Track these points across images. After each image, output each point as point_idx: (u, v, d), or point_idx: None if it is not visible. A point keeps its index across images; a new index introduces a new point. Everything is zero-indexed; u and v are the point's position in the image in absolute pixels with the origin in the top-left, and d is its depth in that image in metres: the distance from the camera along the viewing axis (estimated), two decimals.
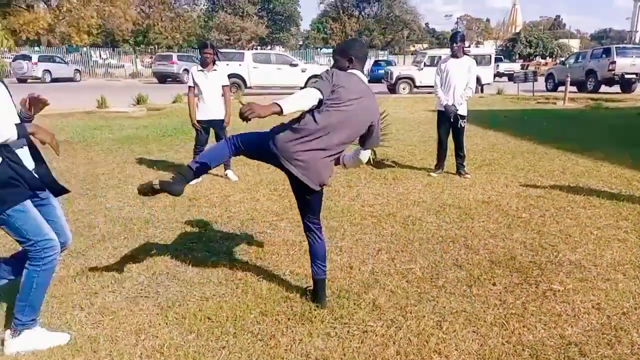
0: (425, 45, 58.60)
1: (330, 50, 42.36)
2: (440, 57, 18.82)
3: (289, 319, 2.74)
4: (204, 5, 56.99)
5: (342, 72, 2.66)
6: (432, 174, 6.06)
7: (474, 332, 2.63)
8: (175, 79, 27.38)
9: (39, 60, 26.30)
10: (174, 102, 15.62)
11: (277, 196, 5.17)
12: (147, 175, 6.02)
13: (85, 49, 35.39)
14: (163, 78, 27.81)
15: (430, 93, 19.02)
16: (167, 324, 2.66)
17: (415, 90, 20.45)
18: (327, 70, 2.66)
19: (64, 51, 33.47)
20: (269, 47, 53.23)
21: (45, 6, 38.77)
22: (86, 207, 4.73)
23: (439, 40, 68.94)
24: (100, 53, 37.40)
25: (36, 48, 33.35)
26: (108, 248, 3.71)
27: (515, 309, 2.86)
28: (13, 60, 26.04)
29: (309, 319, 2.73)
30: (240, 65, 18.95)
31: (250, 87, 19.31)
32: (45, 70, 26.31)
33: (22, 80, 25.56)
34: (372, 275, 3.29)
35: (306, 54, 38.93)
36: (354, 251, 3.71)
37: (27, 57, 26.06)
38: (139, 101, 14.89)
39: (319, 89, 2.48)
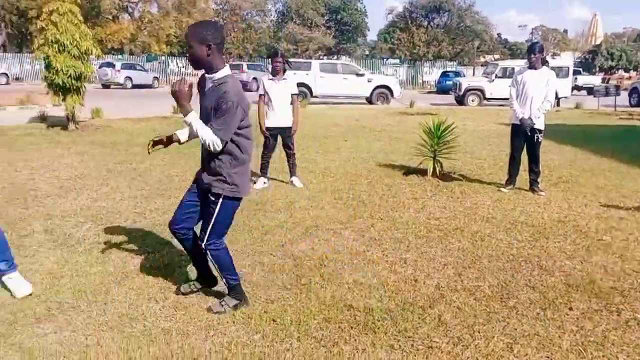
0: (497, 56, 56.73)
1: (397, 61, 42.16)
2: (513, 68, 18.27)
3: (352, 327, 2.73)
4: (274, 16, 58.72)
5: None
6: (502, 189, 5.83)
7: (548, 357, 2.48)
8: (244, 87, 28.23)
9: (121, 68, 28.20)
10: None
11: (341, 204, 5.19)
12: None
13: (163, 57, 37.51)
14: None
15: (501, 106, 18.39)
16: (234, 322, 2.74)
17: (484, 102, 19.84)
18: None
19: (144, 60, 35.68)
20: (335, 57, 53.81)
21: (129, 17, 41.56)
22: (161, 206, 4.98)
23: (512, 51, 66.51)
24: (177, 62, 39.44)
25: (119, 56, 35.80)
26: (180, 246, 3.87)
27: (594, 336, 2.67)
28: (99, 68, 28.07)
29: (372, 329, 2.70)
30: (307, 74, 19.30)
31: (316, 96, 19.59)
32: (127, 77, 28.15)
33: (106, 86, 27.51)
34: (437, 289, 3.21)
35: (372, 64, 38.95)
36: (419, 264, 3.63)
37: (111, 65, 28.03)
38: None
39: None
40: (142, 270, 3.39)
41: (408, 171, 6.72)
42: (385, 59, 46.06)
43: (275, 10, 58.25)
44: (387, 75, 29.37)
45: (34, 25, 34.57)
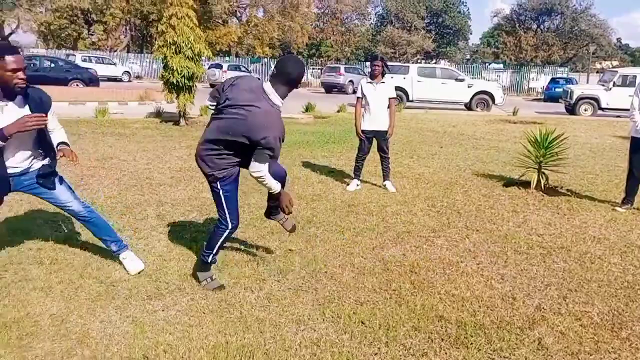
0: (615, 63, 51.80)
1: (501, 66, 40.12)
2: (634, 76, 16.56)
3: (442, 339, 2.65)
4: (373, 19, 58.78)
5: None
6: (617, 208, 5.31)
7: None
8: (340, 89, 28.68)
9: (228, 69, 29.94)
10: (338, 111, 16.37)
11: (434, 212, 5.06)
12: (310, 178, 6.40)
13: (265, 59, 39.23)
14: (329, 88, 29.34)
15: (619, 117, 16.75)
16: (324, 320, 2.80)
17: (599, 112, 18.21)
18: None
19: (248, 61, 37.58)
20: (434, 61, 52.58)
21: (237, 22, 44.01)
22: (259, 201, 5.21)
23: (634, 57, 60.28)
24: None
25: (226, 58, 38.07)
26: (276, 241, 4.04)
27: None
28: (208, 68, 30.07)
29: (464, 344, 2.61)
30: (404, 78, 19.05)
31: (412, 101, 19.28)
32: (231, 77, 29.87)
33: (213, 86, 29.27)
34: (538, 310, 3.01)
35: (473, 69, 37.45)
36: (518, 281, 3.44)
37: (219, 66, 29.90)
38: (307, 109, 15.94)
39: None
40: (240, 260, 3.58)
41: (508, 182, 6.38)
42: (487, 64, 44.02)
43: (375, 14, 58.33)
44: (488, 80, 28.05)
45: (154, 28, 37.94)
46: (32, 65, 18.89)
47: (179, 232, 4.13)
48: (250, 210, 4.84)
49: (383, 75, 5.75)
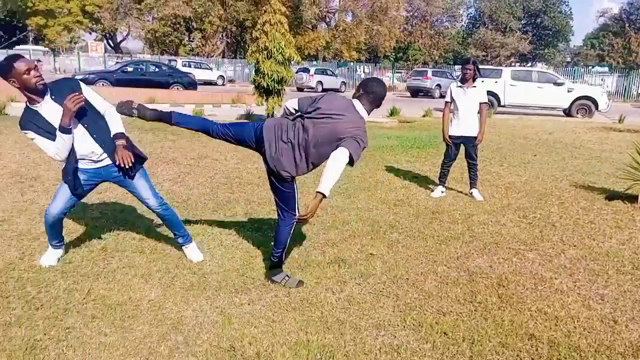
0: None
1: (606, 69, 36.94)
2: None
3: (532, 359, 2.51)
4: (464, 21, 56.86)
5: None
6: None
7: None
8: (427, 93, 28.10)
9: (315, 73, 30.57)
10: (424, 115, 16.04)
11: (526, 224, 4.79)
12: (394, 183, 6.34)
13: (352, 63, 39.49)
14: (415, 92, 28.85)
15: None
16: (404, 327, 2.76)
17: None
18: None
19: (335, 65, 38.07)
20: (529, 64, 49.71)
21: (326, 26, 44.74)
22: (341, 204, 5.27)
23: None
24: (364, 67, 41.13)
25: (314, 62, 38.84)
26: (357, 244, 4.06)
27: None
28: (296, 72, 30.92)
29: None
30: (496, 82, 18.21)
31: (503, 106, 18.37)
32: (318, 81, 30.40)
33: (300, 89, 30.11)
34: None
35: (574, 72, 34.86)
36: (620, 303, 3.15)
37: (306, 70, 30.59)
38: (392, 113, 15.80)
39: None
40: (322, 262, 3.64)
41: (612, 195, 5.86)
42: (590, 67, 40.75)
43: (467, 15, 56.39)
44: (591, 85, 25.98)
45: (248, 35, 39.71)
46: (139, 69, 20.63)
47: (265, 231, 4.29)
48: (333, 213, 4.90)
49: (474, 80, 5.56)
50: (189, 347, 2.49)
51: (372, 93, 3.13)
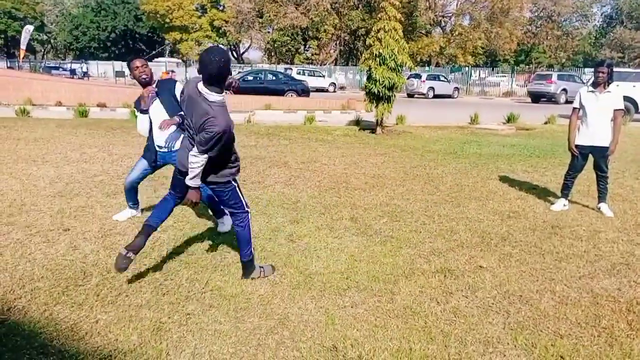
0: None
1: None
2: None
3: None
4: (597, 21, 51.72)
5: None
6: None
7: None
8: (550, 99, 26.04)
9: (426, 79, 29.95)
10: (545, 122, 14.89)
11: None
12: (508, 194, 5.98)
13: (466, 68, 37.97)
14: (537, 98, 26.89)
15: None
16: (515, 346, 2.60)
17: None
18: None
19: (448, 71, 36.91)
20: None
21: (441, 31, 43.61)
22: (449, 213, 5.10)
23: None
24: (479, 72, 39.34)
25: (426, 68, 38.06)
26: (465, 255, 3.90)
27: None
28: (407, 78, 30.57)
29: None
30: (634, 86, 16.30)
31: None
32: (430, 87, 29.73)
33: (410, 95, 29.72)
34: None
35: None
36: None
37: (418, 76, 30.11)
38: (509, 119, 14.90)
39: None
40: (426, 270, 3.56)
41: None
42: None
43: (601, 14, 51.23)
44: None
45: (361, 42, 40.18)
46: (258, 78, 21.97)
47: (371, 235, 4.31)
48: (440, 221, 4.77)
49: (608, 84, 5.04)
50: (294, 343, 2.60)
51: (201, 71, 2.85)
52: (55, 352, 2.42)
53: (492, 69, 40.67)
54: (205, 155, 2.87)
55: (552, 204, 5.43)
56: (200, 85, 2.88)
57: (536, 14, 47.89)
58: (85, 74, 35.85)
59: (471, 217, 4.95)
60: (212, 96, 2.85)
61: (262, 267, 3.43)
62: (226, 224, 4.31)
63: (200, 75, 2.89)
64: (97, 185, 5.65)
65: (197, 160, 2.88)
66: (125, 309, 2.88)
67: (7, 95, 14.88)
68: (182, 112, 3.83)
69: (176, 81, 4.21)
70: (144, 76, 4.03)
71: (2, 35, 54.25)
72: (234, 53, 51.62)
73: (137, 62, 4.04)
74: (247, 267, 3.35)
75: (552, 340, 2.66)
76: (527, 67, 44.88)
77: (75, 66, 41.18)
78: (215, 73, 2.80)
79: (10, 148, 7.95)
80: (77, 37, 55.53)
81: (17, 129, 10.12)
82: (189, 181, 2.99)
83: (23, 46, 31.40)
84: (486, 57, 47.00)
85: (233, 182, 3.18)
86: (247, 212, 3.29)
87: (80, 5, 57.60)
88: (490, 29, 38.60)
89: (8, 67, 37.78)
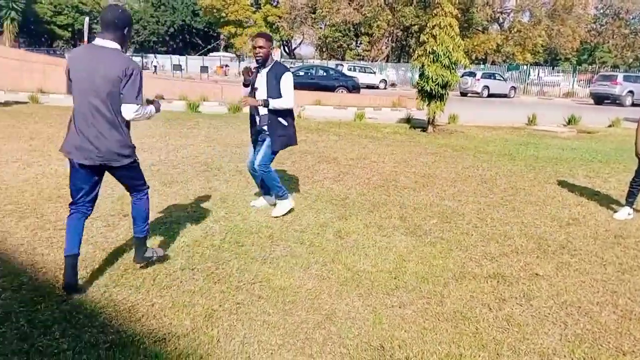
0: None
1: None
2: None
3: None
4: None
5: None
6: None
7: None
8: (614, 100, 24.65)
9: (481, 77, 29.07)
10: (609, 126, 14.10)
11: None
12: (567, 199, 5.71)
13: (524, 67, 36.50)
14: (600, 99, 25.53)
15: None
16: (572, 359, 2.48)
17: None
18: None
19: (504, 69, 35.63)
20: None
21: (498, 28, 42.16)
22: (503, 217, 4.93)
23: None
24: (538, 71, 37.70)
25: (481, 66, 36.92)
26: (520, 261, 3.76)
27: None
28: (461, 76, 29.79)
29: None
30: None
31: None
32: (484, 86, 28.84)
33: (463, 94, 28.94)
34: None
35: None
36: None
37: (472, 74, 29.27)
38: (570, 121, 14.24)
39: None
40: (478, 275, 3.47)
41: None
42: None
43: None
44: None
45: (413, 39, 39.52)
46: (309, 74, 22.08)
47: (420, 236, 4.24)
48: (493, 225, 4.62)
49: None
50: (341, 339, 2.60)
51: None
52: (114, 332, 2.54)
53: (553, 68, 38.91)
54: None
55: (616, 211, 5.14)
56: None
57: (602, 11, 45.37)
58: (157, 69, 36.87)
59: (527, 222, 4.76)
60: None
61: (154, 249, 3.35)
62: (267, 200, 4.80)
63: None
64: (154, 175, 5.86)
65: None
66: (180, 295, 2.98)
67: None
68: (273, 98, 4.23)
69: (287, 70, 4.33)
70: (258, 56, 4.24)
71: (70, 29, 57.41)
72: (286, 48, 52.12)
73: (259, 41, 4.21)
74: (142, 245, 3.23)
75: (613, 356, 2.52)
76: (590, 66, 42.61)
77: (136, 59, 42.84)
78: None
79: None
80: (138, 31, 57.83)
81: None
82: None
83: (85, 39, 33.01)
84: (548, 54, 44.98)
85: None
86: (148, 187, 3.26)
87: (142, 0, 59.95)
88: (551, 26, 36.89)
89: None
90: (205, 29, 59.06)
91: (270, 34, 5.38)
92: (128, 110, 2.83)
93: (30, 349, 2.36)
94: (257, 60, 4.30)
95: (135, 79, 2.81)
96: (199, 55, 51.84)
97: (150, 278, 3.18)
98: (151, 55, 49.81)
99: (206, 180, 5.82)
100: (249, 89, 4.39)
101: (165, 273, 3.26)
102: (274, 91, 4.24)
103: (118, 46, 2.85)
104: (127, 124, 2.94)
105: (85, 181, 2.93)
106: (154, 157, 6.92)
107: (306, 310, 2.88)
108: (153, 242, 3.79)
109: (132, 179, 3.12)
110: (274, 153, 4.43)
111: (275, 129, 4.34)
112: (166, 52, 54.05)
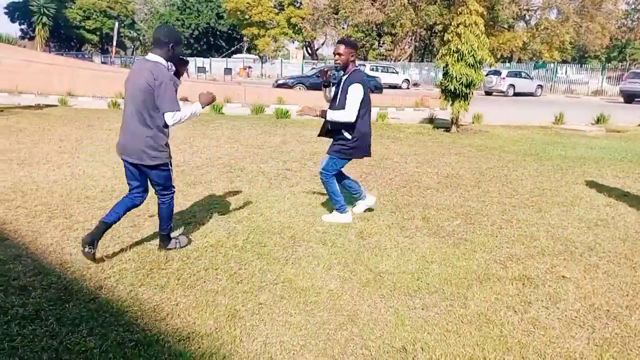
0: None
1: None
2: None
3: None
4: None
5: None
6: None
7: None
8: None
9: (507, 76, 28.55)
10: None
11: None
12: (596, 200, 5.57)
13: (552, 65, 35.70)
14: (630, 97, 24.78)
15: None
16: None
17: None
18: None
19: (531, 67, 34.91)
20: None
21: (524, 25, 41.33)
22: (528, 218, 4.84)
23: None
24: (566, 69, 36.80)
25: (507, 64, 36.26)
26: (546, 263, 3.68)
27: None
28: (486, 75, 29.32)
29: None
30: None
31: None
32: (510, 84, 28.33)
33: (488, 93, 28.50)
34: None
35: None
36: None
37: (497, 73, 28.77)
38: (599, 120, 13.88)
39: None
40: (502, 277, 3.41)
41: None
42: None
43: None
44: None
45: (437, 39, 39.05)
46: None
47: (443, 237, 4.20)
48: (519, 226, 4.54)
49: None
50: (363, 341, 2.59)
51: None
52: (139, 331, 2.59)
53: (581, 66, 37.95)
54: None
55: None
56: None
57: (633, 6, 44.00)
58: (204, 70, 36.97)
59: (553, 224, 4.66)
60: None
61: (176, 239, 3.73)
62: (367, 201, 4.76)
63: None
64: (178, 175, 5.96)
65: None
66: (203, 294, 3.02)
67: (101, 89, 16.11)
68: (337, 110, 4.11)
69: (361, 77, 4.15)
70: (337, 63, 4.20)
71: (98, 33, 58.79)
72: (309, 49, 52.22)
73: (338, 48, 4.14)
74: (166, 240, 3.65)
75: None
76: (620, 64, 41.38)
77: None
78: None
79: (103, 137, 8.60)
80: None
81: (108, 119, 10.93)
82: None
83: (114, 43, 33.78)
84: (575, 52, 43.91)
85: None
86: (173, 192, 3.60)
87: (168, 4, 60.95)
88: (579, 23, 35.95)
89: (102, 63, 40.83)
90: (229, 31, 59.66)
91: (354, 40, 5.02)
92: (167, 118, 3.22)
93: (59, 347, 2.42)
94: (336, 68, 4.28)
95: (165, 89, 3.14)
96: (222, 57, 52.43)
97: (174, 278, 3.23)
98: None
99: (229, 181, 5.88)
100: (328, 89, 4.49)
101: (190, 273, 3.31)
102: (342, 101, 4.08)
103: (160, 59, 3.23)
104: (161, 129, 3.28)
105: (131, 176, 3.43)
106: (178, 158, 7.03)
107: (328, 311, 2.88)
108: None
109: (160, 181, 3.45)
110: (338, 164, 4.33)
111: (338, 140, 4.26)
112: (191, 55, 54.85)
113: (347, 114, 4.06)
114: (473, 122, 12.87)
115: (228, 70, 36.31)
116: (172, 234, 3.72)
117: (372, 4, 38.09)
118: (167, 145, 3.36)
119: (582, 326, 2.78)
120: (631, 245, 4.12)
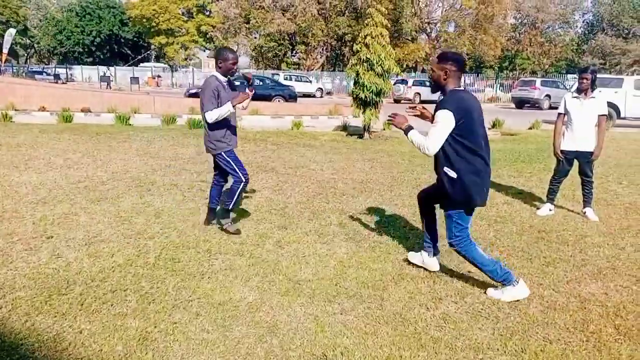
0: None
1: None
2: None
3: None
4: (579, 28, 52.69)
5: None
6: None
7: None
8: (534, 104, 26.40)
9: (413, 84, 30.19)
10: (529, 128, 15.08)
11: None
12: (494, 198, 6.02)
13: None
14: (521, 104, 27.26)
15: None
16: (505, 352, 2.59)
17: None
18: None
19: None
20: None
21: (426, 38, 44.00)
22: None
23: None
24: (464, 78, 39.68)
25: (412, 74, 38.34)
26: (453, 260, 3.89)
27: None
28: (394, 84, 30.77)
29: None
30: (616, 92, 16.57)
31: (624, 118, 16.65)
32: (416, 93, 30.00)
33: (397, 101, 29.93)
34: None
35: None
36: None
37: (404, 82, 30.33)
38: (494, 125, 15.05)
39: None
40: (415, 276, 3.56)
41: None
42: None
43: (583, 21, 52.23)
44: None
45: (347, 48, 40.28)
46: (245, 83, 21.89)
47: (359, 241, 4.30)
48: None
49: (592, 90, 5.11)
50: (284, 352, 2.56)
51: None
52: None
53: (477, 75, 41.09)
54: None
55: (538, 208, 5.48)
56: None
57: (520, 20, 48.63)
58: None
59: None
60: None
61: (231, 222, 4.41)
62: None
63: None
64: (81, 192, 5.55)
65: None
66: (110, 319, 2.82)
67: None
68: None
69: (450, 106, 3.33)
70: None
71: None
72: None
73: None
74: (224, 213, 4.40)
75: (541, 345, 2.66)
76: (511, 73, 45.44)
77: (59, 71, 40.71)
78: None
79: None
80: (61, 42, 54.81)
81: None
82: None
83: (5, 50, 30.96)
84: (472, 62, 47.51)
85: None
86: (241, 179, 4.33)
87: (65, 10, 56.93)
88: (474, 36, 39.04)
89: None
90: (135, 39, 57.00)
91: (451, 52, 3.58)
92: (206, 117, 4.11)
93: None
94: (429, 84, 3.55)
95: (203, 93, 4.12)
96: (128, 65, 49.96)
97: (77, 303, 2.98)
98: (78, 67, 47.47)
99: (139, 196, 5.58)
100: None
101: (94, 296, 3.08)
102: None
103: (214, 71, 4.37)
104: (210, 126, 4.24)
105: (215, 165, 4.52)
106: (80, 174, 6.55)
107: (247, 325, 2.82)
108: (80, 265, 3.57)
109: (224, 167, 4.35)
110: (455, 216, 3.29)
111: (444, 181, 3.31)
112: (93, 63, 51.63)
113: (427, 143, 3.39)
114: (384, 129, 13.38)
115: (135, 80, 34.69)
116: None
117: (283, 14, 38.46)
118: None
119: (487, 317, 2.97)
120: (527, 239, 4.50)
